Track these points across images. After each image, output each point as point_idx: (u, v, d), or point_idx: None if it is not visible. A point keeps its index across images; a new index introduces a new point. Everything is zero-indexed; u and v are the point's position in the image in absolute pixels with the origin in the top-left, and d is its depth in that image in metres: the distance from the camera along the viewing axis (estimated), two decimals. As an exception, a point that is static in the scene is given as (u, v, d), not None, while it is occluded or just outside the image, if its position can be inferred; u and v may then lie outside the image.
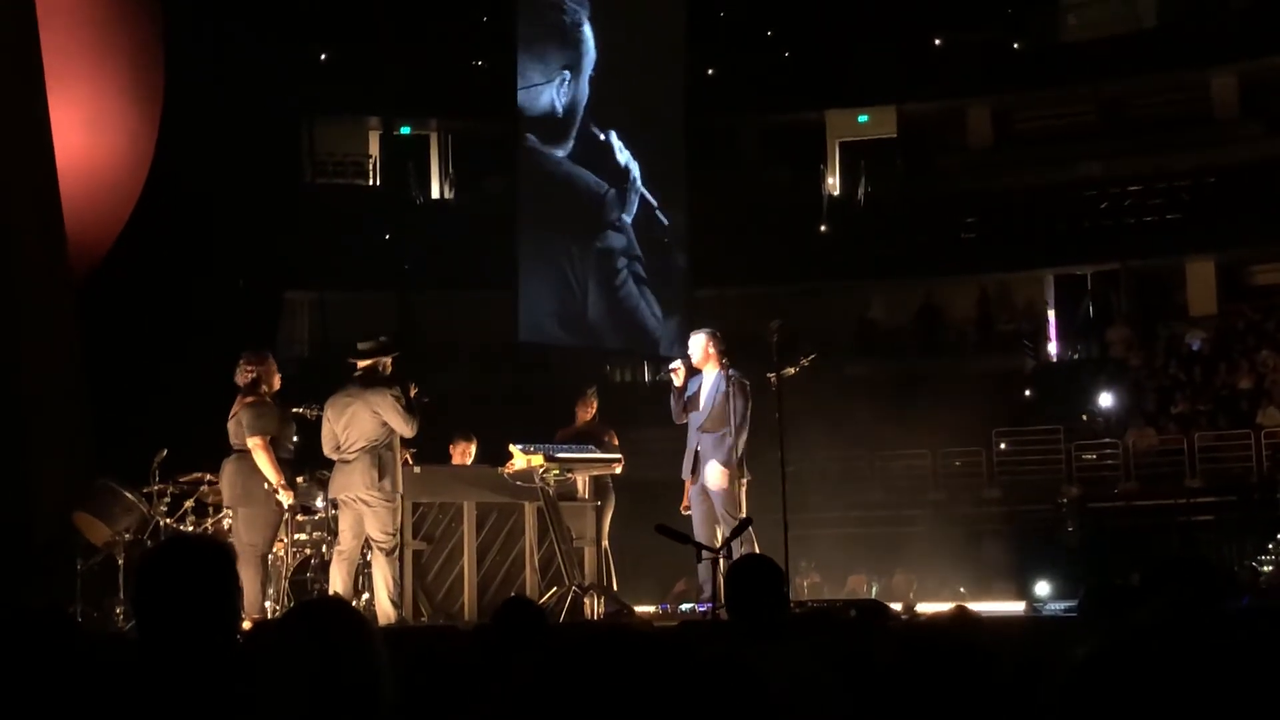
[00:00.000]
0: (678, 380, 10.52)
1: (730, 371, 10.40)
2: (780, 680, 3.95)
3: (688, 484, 11.27)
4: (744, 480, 10.36)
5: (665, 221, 24.09)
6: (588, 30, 23.09)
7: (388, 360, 9.87)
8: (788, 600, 5.61)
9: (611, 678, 1.99)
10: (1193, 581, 4.29)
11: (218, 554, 3.13)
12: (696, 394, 10.50)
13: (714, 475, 10.27)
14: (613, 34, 23.63)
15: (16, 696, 3.22)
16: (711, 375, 10.43)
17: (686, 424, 10.85)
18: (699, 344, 10.52)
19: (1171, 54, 27.05)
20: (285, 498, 9.72)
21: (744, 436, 10.30)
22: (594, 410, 12.18)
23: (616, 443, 11.86)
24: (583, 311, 22.81)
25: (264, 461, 9.59)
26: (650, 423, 16.75)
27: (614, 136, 23.49)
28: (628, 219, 23.80)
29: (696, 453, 10.44)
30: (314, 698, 2.61)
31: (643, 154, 24.18)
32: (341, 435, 9.68)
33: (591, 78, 23.06)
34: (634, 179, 23.70)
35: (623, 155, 23.62)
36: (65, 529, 10.35)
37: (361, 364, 9.82)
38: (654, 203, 23.87)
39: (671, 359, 11.21)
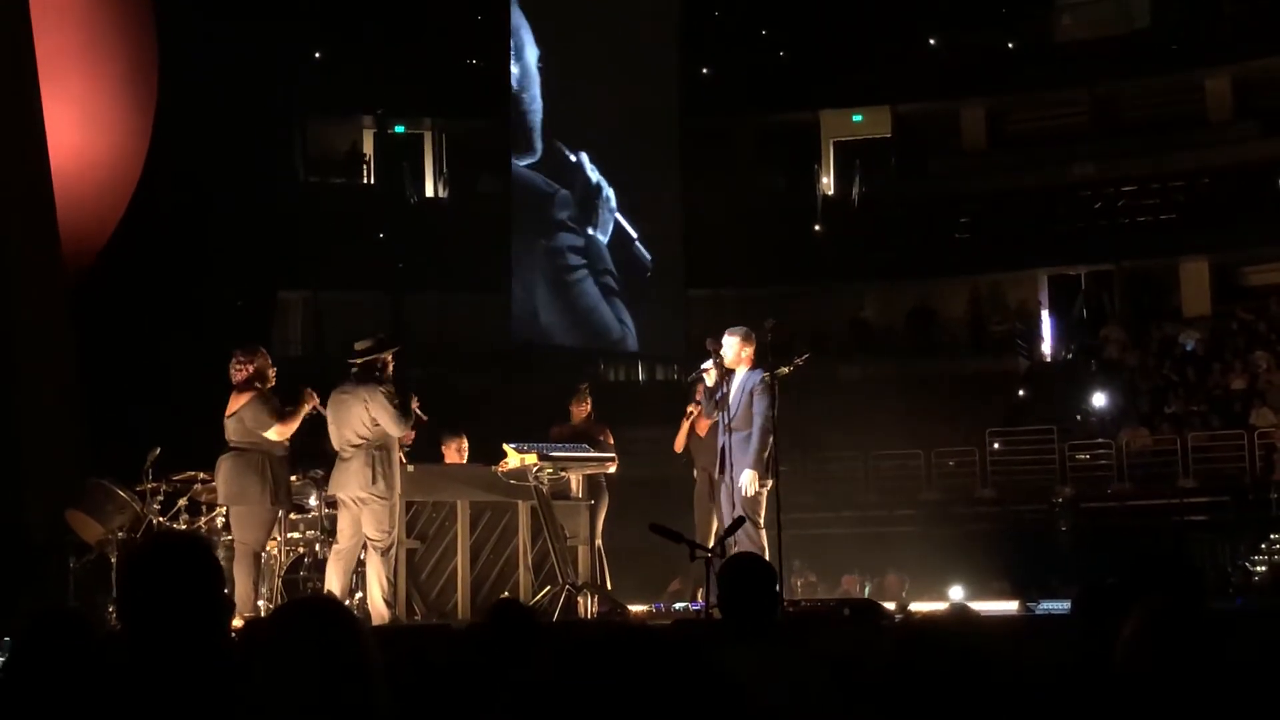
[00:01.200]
0: (710, 380, 10.44)
1: (759, 371, 10.31)
2: (772, 680, 3.94)
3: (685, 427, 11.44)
4: (769, 482, 10.26)
5: (647, 257, 24.34)
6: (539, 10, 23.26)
7: (387, 357, 9.85)
8: (780, 600, 5.61)
9: (615, 679, 1.98)
10: (1176, 582, 4.29)
11: (198, 550, 3.12)
12: (727, 394, 10.40)
13: (741, 477, 10.19)
14: (605, 35, 23.70)
15: (41, 692, 3.22)
16: (742, 375, 10.36)
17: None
18: (732, 344, 10.38)
19: (1165, 55, 27.09)
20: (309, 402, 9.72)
21: (768, 438, 10.18)
22: (588, 408, 12.16)
23: (611, 441, 11.86)
24: (534, 311, 23.04)
25: (293, 423, 9.62)
26: (644, 421, 16.78)
27: (585, 158, 23.68)
28: (599, 235, 23.99)
29: (723, 449, 10.37)
30: (307, 696, 2.61)
31: (635, 156, 24.28)
32: (340, 432, 9.68)
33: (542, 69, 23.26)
34: (606, 198, 23.88)
35: (594, 174, 23.85)
36: (58, 527, 10.33)
37: (359, 361, 9.81)
38: (633, 235, 24.07)
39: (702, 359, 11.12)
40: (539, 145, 23.14)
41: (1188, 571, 4.62)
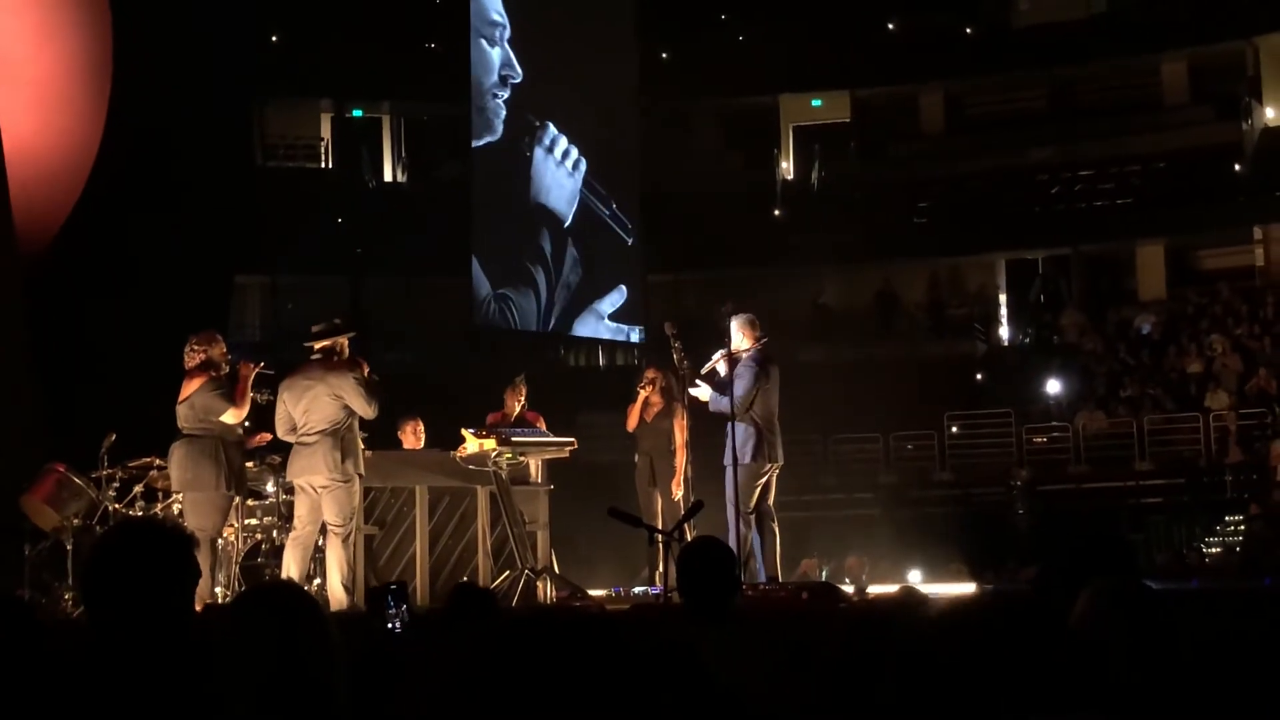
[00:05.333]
0: (723, 370, 10.36)
1: (755, 351, 10.25)
2: (730, 662, 3.96)
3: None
4: (767, 466, 10.23)
5: (627, 226, 24.16)
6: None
7: (344, 341, 9.81)
8: (739, 583, 5.61)
9: (552, 659, 1.99)
10: (1113, 562, 4.34)
11: (178, 541, 3.07)
12: (730, 381, 10.27)
13: (730, 455, 10.12)
14: (562, 18, 23.60)
15: None
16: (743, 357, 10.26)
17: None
18: (734, 331, 10.32)
19: (1122, 40, 27.24)
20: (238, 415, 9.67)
21: (738, 411, 10.10)
22: (523, 398, 12.14)
23: (544, 427, 11.83)
24: (494, 295, 22.86)
25: (244, 402, 9.58)
26: (604, 406, 16.78)
27: (551, 126, 23.46)
28: (562, 208, 23.78)
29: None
30: (270, 682, 2.60)
31: (595, 139, 24.17)
32: (300, 418, 9.58)
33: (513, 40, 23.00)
34: (571, 166, 23.71)
35: (560, 141, 23.63)
36: (13, 514, 10.25)
37: (318, 345, 9.76)
38: (604, 211, 23.93)
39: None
40: (499, 126, 22.94)
41: (1123, 550, 4.68)
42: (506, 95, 22.92)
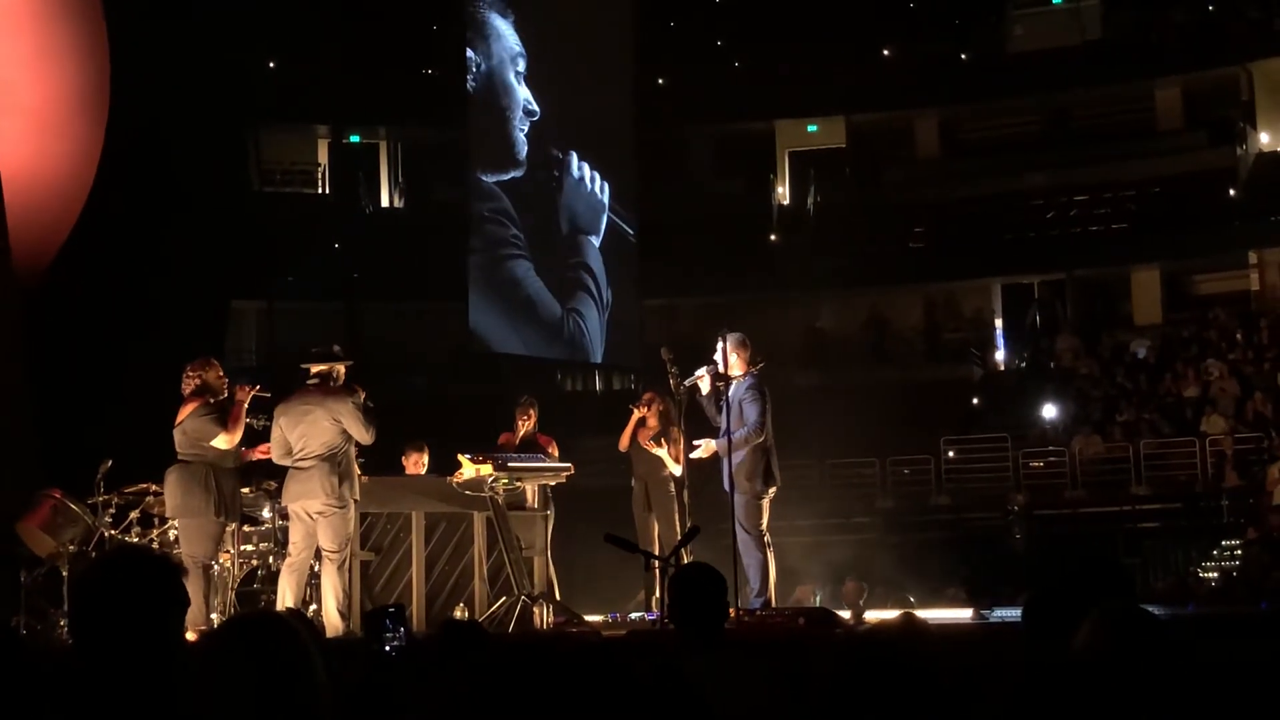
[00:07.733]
0: (705, 386, 10.27)
1: (751, 376, 10.18)
2: (722, 689, 3.96)
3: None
4: (771, 490, 10.21)
5: (630, 232, 24.20)
6: (497, 21, 23.07)
7: (341, 369, 9.80)
8: (729, 609, 5.57)
9: (547, 685, 1.99)
10: (1110, 587, 4.34)
11: (164, 568, 3.05)
12: (725, 402, 10.09)
13: (738, 482, 9.99)
14: (560, 45, 23.67)
15: None
16: (735, 383, 10.11)
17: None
18: (728, 353, 10.18)
19: (1116, 66, 27.34)
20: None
21: (756, 440, 9.99)
22: (533, 419, 12.11)
23: (556, 452, 11.82)
24: (492, 320, 22.86)
25: (237, 427, 9.55)
26: (600, 432, 16.76)
27: (574, 156, 23.52)
28: (592, 239, 23.86)
29: (724, 460, 10.11)
30: (250, 714, 2.58)
31: (590, 165, 24.23)
32: (297, 443, 9.55)
33: (523, 75, 23.02)
34: (594, 194, 23.77)
35: (584, 171, 23.69)
36: (9, 540, 10.23)
37: (315, 369, 9.73)
38: (629, 231, 24.00)
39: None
40: (522, 156, 23.00)
41: (1118, 575, 4.70)
42: (527, 129, 23.02)
